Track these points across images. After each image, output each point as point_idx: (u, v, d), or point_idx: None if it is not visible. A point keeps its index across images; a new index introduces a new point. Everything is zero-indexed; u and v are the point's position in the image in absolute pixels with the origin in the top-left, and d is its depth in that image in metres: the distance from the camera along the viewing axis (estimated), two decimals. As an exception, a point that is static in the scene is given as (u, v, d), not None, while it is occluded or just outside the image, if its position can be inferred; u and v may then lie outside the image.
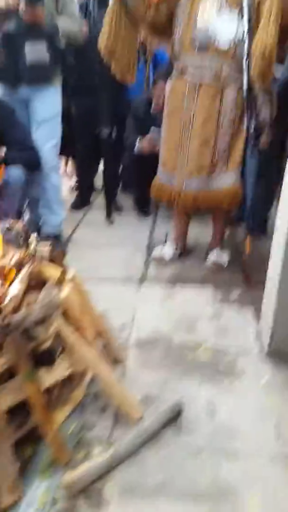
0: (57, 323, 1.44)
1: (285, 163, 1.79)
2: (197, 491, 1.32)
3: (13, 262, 1.54)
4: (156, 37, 2.65)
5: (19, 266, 1.54)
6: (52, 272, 1.58)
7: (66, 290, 1.49)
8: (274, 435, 1.52)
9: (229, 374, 1.80)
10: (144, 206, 3.63)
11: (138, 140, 3.37)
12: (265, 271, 2.01)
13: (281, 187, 1.85)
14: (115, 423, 1.55)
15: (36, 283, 1.55)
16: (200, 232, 3.17)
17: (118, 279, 2.57)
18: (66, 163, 4.54)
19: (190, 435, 1.51)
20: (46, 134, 2.75)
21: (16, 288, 1.43)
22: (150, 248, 2.99)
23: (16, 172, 2.57)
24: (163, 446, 1.47)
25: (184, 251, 2.89)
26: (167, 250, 2.84)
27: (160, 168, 2.63)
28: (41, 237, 2.80)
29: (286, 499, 1.31)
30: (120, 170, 3.96)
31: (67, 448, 1.42)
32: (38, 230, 2.93)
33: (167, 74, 2.60)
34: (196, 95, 2.38)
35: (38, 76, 2.62)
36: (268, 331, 1.88)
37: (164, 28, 2.47)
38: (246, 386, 1.74)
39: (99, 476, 1.34)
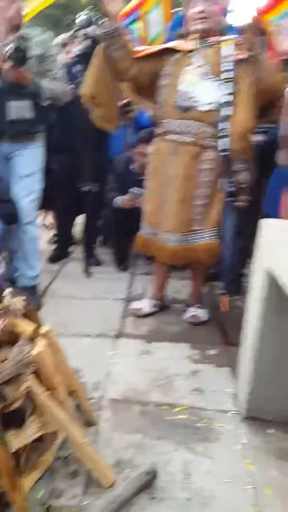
0: (28, 382, 1.39)
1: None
2: None
3: (-15, 317, 1.50)
4: (138, 97, 2.70)
5: (-9, 321, 1.51)
6: (25, 327, 1.55)
7: (39, 347, 1.45)
8: (250, 502, 1.46)
9: (205, 437, 1.74)
10: (122, 260, 3.65)
11: (118, 197, 3.45)
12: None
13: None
14: (86, 490, 1.47)
15: (8, 339, 1.51)
16: (179, 287, 3.18)
17: (94, 335, 2.53)
18: (45, 216, 4.57)
19: (164, 503, 1.44)
20: (26, 189, 2.76)
21: (-13, 344, 1.39)
22: (127, 302, 2.98)
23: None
24: (136, 515, 1.39)
25: (162, 307, 2.88)
26: (145, 305, 2.83)
27: (144, 223, 2.67)
28: (17, 290, 2.79)
29: None
30: (100, 225, 4.01)
31: (33, 519, 1.33)
32: (14, 283, 2.90)
33: (148, 137, 2.70)
34: (177, 155, 2.46)
35: (21, 133, 2.68)
36: (245, 395, 1.85)
37: (146, 88, 2.56)
38: (222, 450, 1.68)
39: None
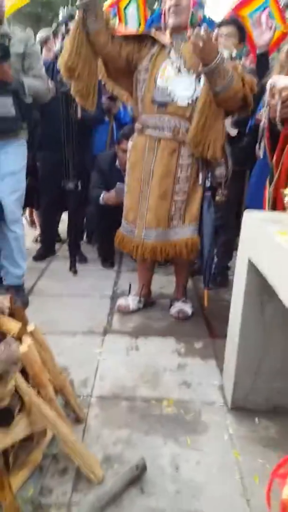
0: (15, 380, 1.39)
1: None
2: None
3: (-29, 317, 1.50)
4: (110, 81, 2.62)
5: (-23, 321, 1.50)
6: (11, 325, 1.55)
7: (25, 345, 1.45)
8: (238, 492, 1.49)
9: (193, 430, 1.76)
10: (108, 257, 3.66)
11: (103, 193, 3.45)
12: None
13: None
14: (76, 486, 1.48)
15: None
16: (164, 283, 3.20)
17: (80, 332, 2.53)
18: (31, 214, 4.56)
19: (154, 496, 1.46)
20: (11, 187, 2.75)
21: (-27, 344, 1.39)
22: (114, 299, 2.99)
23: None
24: (126, 509, 1.40)
25: (148, 302, 2.90)
26: (131, 301, 2.84)
27: (123, 220, 2.68)
28: (2, 289, 2.78)
29: None
30: (84, 222, 4.01)
31: (24, 516, 1.33)
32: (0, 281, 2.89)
33: (131, 133, 2.70)
34: (155, 151, 2.47)
35: (4, 129, 2.66)
36: (231, 386, 1.88)
37: (120, 72, 2.52)
38: (210, 441, 1.71)
39: None
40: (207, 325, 2.68)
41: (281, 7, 3.88)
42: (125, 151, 2.84)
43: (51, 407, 1.48)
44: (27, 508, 1.39)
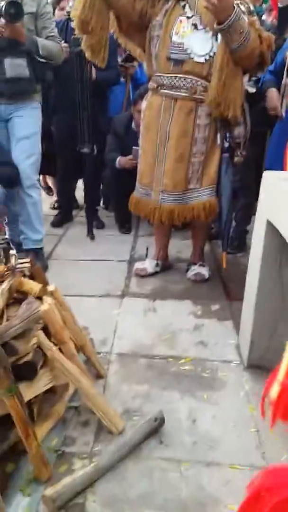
0: (37, 337, 1.45)
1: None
2: (179, 503, 1.32)
3: (-7, 276, 1.55)
4: (123, 36, 2.57)
5: (-1, 280, 1.55)
6: (32, 286, 1.59)
7: (46, 304, 1.49)
8: (254, 444, 1.54)
9: (210, 386, 1.82)
10: (125, 222, 3.66)
11: (118, 158, 3.42)
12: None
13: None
14: (97, 437, 1.55)
15: (16, 298, 1.56)
16: (182, 247, 3.21)
17: (99, 294, 2.58)
18: (46, 181, 4.56)
19: (171, 447, 1.52)
20: (26, 151, 2.74)
21: (-4, 302, 1.44)
22: (131, 263, 3.02)
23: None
24: (145, 458, 1.47)
25: (165, 266, 2.92)
26: (148, 264, 2.87)
27: (137, 183, 2.67)
28: (22, 253, 2.83)
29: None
30: (101, 187, 4.01)
31: (49, 464, 1.41)
32: (19, 245, 2.94)
33: (146, 93, 2.64)
34: (171, 111, 2.42)
35: (18, 91, 2.64)
36: (247, 345, 1.91)
37: (133, 27, 2.47)
38: (226, 397, 1.76)
39: (81, 490, 1.33)
40: (224, 288, 2.69)
41: None
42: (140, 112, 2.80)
43: (73, 362, 1.54)
44: (51, 457, 1.47)
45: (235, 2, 2.13)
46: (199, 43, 2.29)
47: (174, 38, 2.32)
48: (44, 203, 3.36)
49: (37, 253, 2.90)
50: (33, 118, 2.75)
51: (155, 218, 2.60)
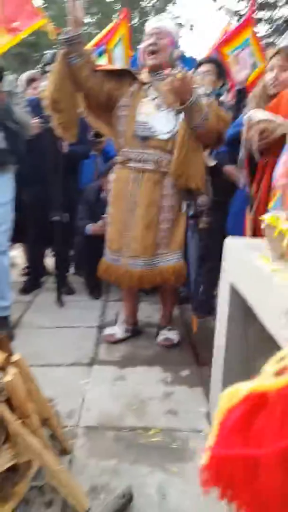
0: (-1, 410, 1.39)
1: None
2: None
3: None
4: (91, 115, 2.71)
5: None
6: (-4, 356, 1.55)
7: (9, 375, 1.45)
8: (227, 521, 1.47)
9: (180, 458, 1.75)
10: (95, 287, 3.67)
11: (89, 225, 3.50)
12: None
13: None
14: (61, 519, 1.46)
15: (-21, 369, 1.51)
16: (151, 311, 3.22)
17: (67, 363, 2.52)
18: (15, 248, 4.55)
19: (141, 526, 1.44)
20: None
21: None
22: (101, 329, 2.99)
23: None
24: None
25: (135, 331, 2.90)
26: (118, 330, 2.85)
27: (106, 249, 2.72)
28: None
29: None
30: (71, 253, 4.04)
31: None
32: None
33: (114, 166, 2.77)
34: (139, 181, 2.54)
35: None
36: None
37: (100, 107, 2.62)
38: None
39: None
40: (194, 353, 2.68)
41: (263, 46, 4.10)
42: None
43: (37, 437, 1.47)
44: None
45: (194, 85, 2.32)
46: (162, 122, 2.48)
47: (140, 118, 2.49)
48: (13, 270, 3.35)
49: (3, 321, 2.85)
50: (7, 188, 2.84)
51: (125, 282, 2.63)
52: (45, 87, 2.59)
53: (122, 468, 1.68)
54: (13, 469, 1.46)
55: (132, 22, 14.12)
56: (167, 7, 15.98)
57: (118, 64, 4.25)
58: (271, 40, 13.06)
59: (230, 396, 0.36)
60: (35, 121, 3.14)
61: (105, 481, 1.61)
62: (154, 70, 2.53)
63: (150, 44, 2.49)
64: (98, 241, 3.26)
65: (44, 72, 3.54)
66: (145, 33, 2.59)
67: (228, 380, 1.82)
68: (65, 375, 2.38)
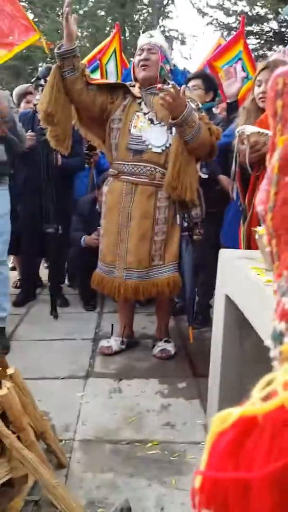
0: (-5, 425, 1.38)
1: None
2: None
3: None
4: (83, 126, 2.73)
5: None
6: (-9, 370, 1.54)
7: (4, 389, 1.44)
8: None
9: (178, 470, 1.74)
10: (89, 299, 3.66)
11: (83, 237, 3.51)
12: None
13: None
14: (58, 535, 1.43)
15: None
16: (146, 323, 3.21)
17: (62, 376, 2.50)
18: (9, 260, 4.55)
19: None
20: None
21: None
22: (96, 341, 2.98)
23: None
24: None
25: (130, 343, 2.89)
26: (114, 342, 2.83)
27: (100, 262, 2.73)
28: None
29: None
30: (65, 265, 4.04)
31: None
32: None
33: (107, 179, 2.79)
34: (132, 194, 2.56)
35: None
36: (214, 424, 1.87)
37: (93, 120, 2.65)
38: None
39: None
40: (191, 364, 2.68)
41: (253, 59, 4.15)
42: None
43: (32, 451, 1.46)
44: None
45: (186, 100, 2.35)
46: (155, 136, 2.51)
47: (133, 131, 2.52)
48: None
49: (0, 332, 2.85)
50: (5, 199, 2.86)
51: (120, 294, 2.63)
52: (39, 101, 2.62)
53: (119, 482, 1.66)
54: (9, 484, 1.44)
55: (125, 36, 14.28)
56: (159, 21, 16.22)
57: (111, 79, 4.29)
58: (261, 52, 13.28)
59: (221, 420, 0.37)
60: (29, 134, 3.17)
61: (103, 495, 1.59)
62: (146, 84, 2.57)
63: (142, 59, 2.53)
64: (92, 253, 3.27)
65: (38, 86, 3.58)
66: (137, 48, 2.63)
67: (225, 391, 1.82)
68: (60, 388, 2.37)
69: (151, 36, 2.59)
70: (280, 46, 3.83)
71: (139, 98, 2.57)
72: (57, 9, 14.67)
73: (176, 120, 2.34)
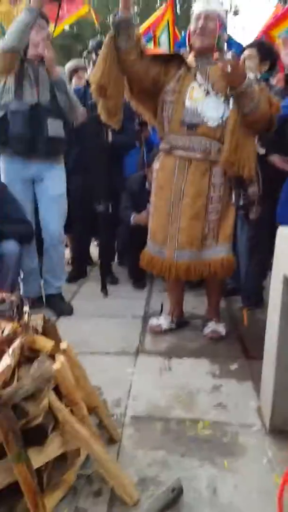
0: (48, 398, 1.38)
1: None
2: None
3: (5, 334, 1.51)
4: (134, 99, 2.63)
5: (11, 338, 1.51)
6: (44, 344, 1.55)
7: (58, 363, 1.44)
8: (280, 520, 1.41)
9: (230, 452, 1.70)
10: (139, 277, 3.65)
11: (133, 215, 3.48)
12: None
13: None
14: (110, 508, 1.44)
15: (28, 356, 1.51)
16: (196, 303, 3.16)
17: (113, 352, 2.51)
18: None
19: (191, 521, 1.40)
20: (59, 210, 2.97)
21: (7, 360, 1.39)
22: (145, 319, 2.97)
23: (10, 245, 2.62)
24: (162, 534, 1.35)
25: (180, 322, 2.86)
26: (163, 321, 2.81)
27: (149, 241, 2.67)
28: (36, 308, 2.82)
29: None
30: (115, 243, 4.04)
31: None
32: (33, 302, 2.94)
33: (158, 154, 2.71)
34: (186, 171, 2.47)
35: (55, 151, 2.81)
36: (268, 408, 1.81)
37: (145, 93, 2.56)
38: (248, 465, 1.64)
39: None
40: (242, 346, 2.61)
41: None
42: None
43: (84, 425, 1.46)
44: (61, 530, 1.36)
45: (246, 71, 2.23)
46: (211, 108, 2.39)
47: (188, 104, 2.41)
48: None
49: (59, 298, 3.11)
50: (62, 178, 2.93)
51: (171, 275, 2.58)
52: (92, 73, 2.57)
53: (171, 460, 1.64)
54: (61, 458, 1.46)
55: (176, 9, 13.92)
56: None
57: (164, 50, 4.19)
58: None
59: None
60: (82, 110, 3.14)
61: (154, 473, 1.58)
62: (202, 53, 2.44)
63: (199, 27, 2.41)
64: (141, 231, 3.24)
65: (89, 60, 3.53)
66: (192, 16, 2.51)
67: (281, 375, 1.75)
68: (111, 364, 2.37)
69: (209, 3, 2.45)
70: None
71: (195, 68, 2.45)
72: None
73: (235, 91, 2.23)
